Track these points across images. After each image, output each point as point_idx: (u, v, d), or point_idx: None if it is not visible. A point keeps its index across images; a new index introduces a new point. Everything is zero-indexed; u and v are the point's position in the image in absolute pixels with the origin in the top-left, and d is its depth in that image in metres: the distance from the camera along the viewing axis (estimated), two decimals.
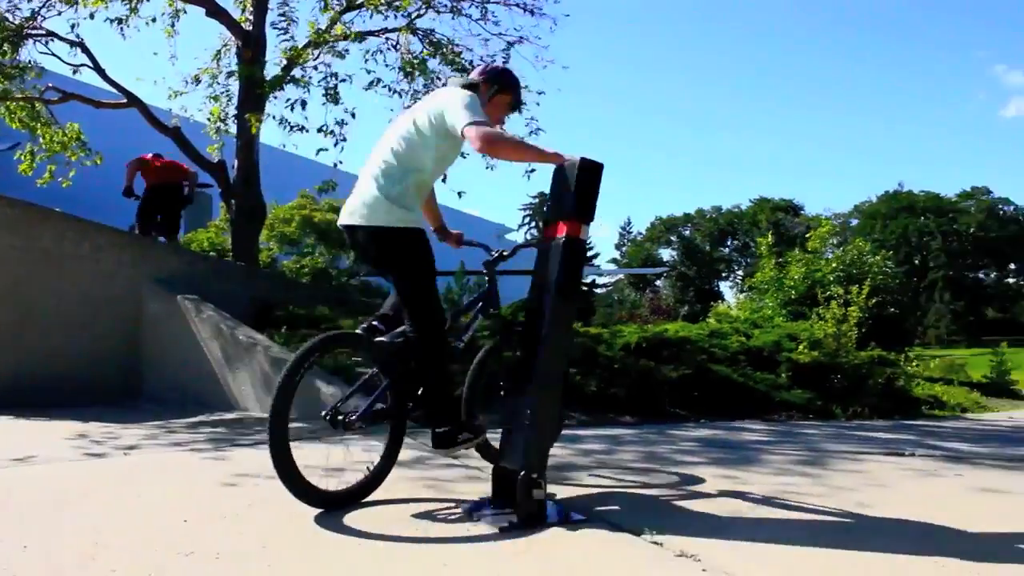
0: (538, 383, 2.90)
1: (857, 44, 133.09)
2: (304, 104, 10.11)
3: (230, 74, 10.79)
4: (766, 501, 3.30)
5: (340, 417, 3.21)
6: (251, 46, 10.20)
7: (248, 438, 4.99)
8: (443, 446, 3.30)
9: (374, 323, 3.47)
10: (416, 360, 3.29)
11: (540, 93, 11.11)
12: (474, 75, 3.61)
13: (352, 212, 3.36)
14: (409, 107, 3.99)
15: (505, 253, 3.83)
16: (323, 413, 3.24)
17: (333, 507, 2.98)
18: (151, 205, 10.09)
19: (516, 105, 3.84)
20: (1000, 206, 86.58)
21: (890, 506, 3.27)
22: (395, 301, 3.52)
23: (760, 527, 2.84)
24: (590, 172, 3.01)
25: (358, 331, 3.47)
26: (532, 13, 10.91)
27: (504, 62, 10.96)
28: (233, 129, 10.72)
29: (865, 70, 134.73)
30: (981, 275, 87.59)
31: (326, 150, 10.63)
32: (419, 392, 3.32)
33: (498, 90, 3.58)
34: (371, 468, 3.24)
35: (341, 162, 10.81)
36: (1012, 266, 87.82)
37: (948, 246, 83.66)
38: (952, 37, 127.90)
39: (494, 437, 3.26)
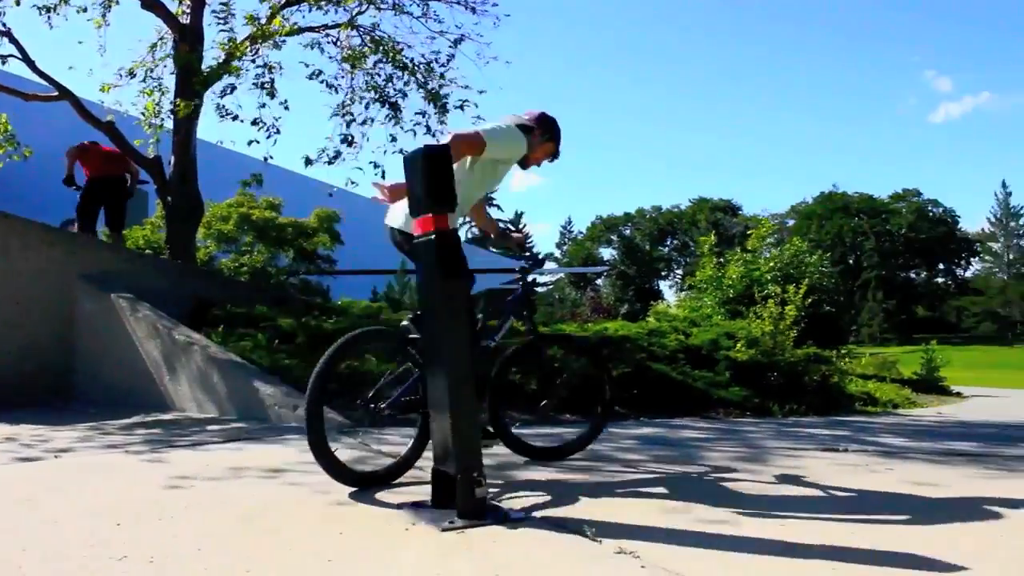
0: (452, 381, 2.86)
1: (792, 47, 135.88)
2: (234, 89, 10.04)
3: (165, 57, 10.52)
4: (707, 498, 3.35)
5: (371, 406, 3.55)
6: (188, 39, 10.00)
7: (185, 439, 4.90)
8: None
9: (404, 322, 3.76)
10: None
11: (481, 92, 11.11)
12: (528, 119, 3.97)
13: (396, 217, 3.78)
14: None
15: (539, 257, 4.44)
16: (357, 400, 3.60)
17: (363, 486, 3.30)
18: (93, 198, 9.82)
19: (556, 155, 4.21)
20: (929, 208, 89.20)
21: (826, 502, 3.35)
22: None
23: (700, 523, 2.88)
24: (437, 160, 2.90)
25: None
26: (474, 11, 10.90)
27: (449, 59, 10.96)
28: (169, 124, 10.50)
29: (801, 73, 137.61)
30: (912, 275, 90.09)
31: (257, 142, 10.55)
32: None
33: (548, 138, 4.06)
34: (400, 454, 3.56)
35: (271, 156, 10.72)
36: (941, 266, 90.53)
37: (881, 246, 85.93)
38: (885, 42, 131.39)
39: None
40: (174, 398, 6.65)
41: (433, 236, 2.88)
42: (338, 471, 3.27)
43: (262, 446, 4.68)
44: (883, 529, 2.87)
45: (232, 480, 3.57)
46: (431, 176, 2.87)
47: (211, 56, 10.21)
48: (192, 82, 9.78)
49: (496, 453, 4.31)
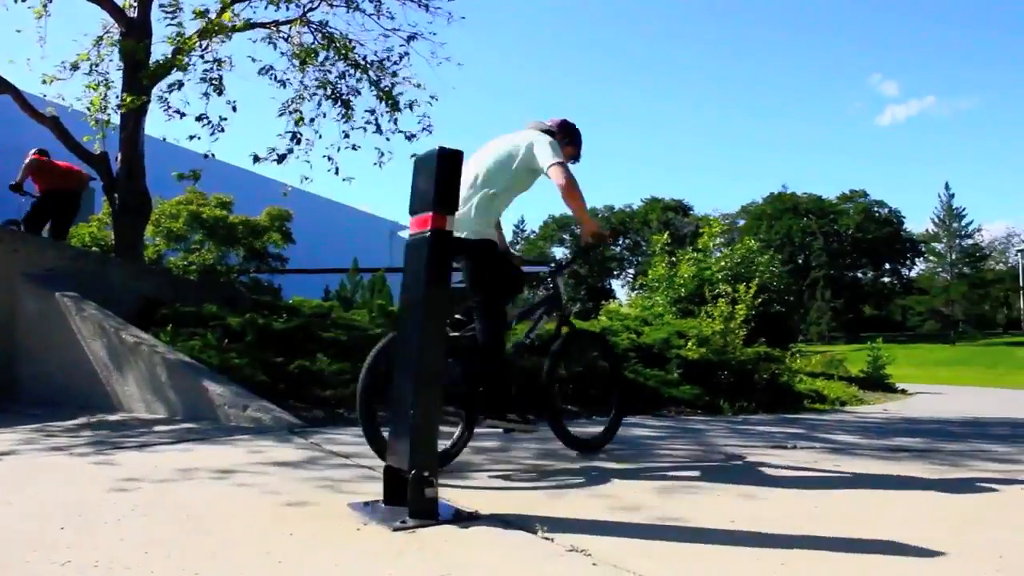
0: (418, 380, 2.86)
1: (743, 49, 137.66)
2: (181, 85, 9.91)
3: (111, 48, 10.30)
4: (660, 494, 3.38)
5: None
6: (135, 33, 9.82)
7: (133, 440, 4.82)
8: (495, 415, 4.19)
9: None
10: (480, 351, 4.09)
11: (433, 98, 11.07)
12: (550, 124, 4.37)
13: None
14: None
15: (564, 262, 5.07)
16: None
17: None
18: (44, 210, 9.75)
19: (577, 158, 4.57)
20: (876, 208, 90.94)
21: (776, 498, 3.41)
22: (466, 307, 4.24)
23: (652, 520, 2.91)
24: (450, 161, 2.95)
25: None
26: (427, 8, 10.87)
27: (402, 57, 10.91)
28: (116, 119, 10.31)
29: (751, 75, 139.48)
30: (859, 274, 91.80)
31: (198, 138, 10.41)
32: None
33: (568, 143, 4.40)
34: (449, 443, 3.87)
35: (213, 154, 10.58)
36: (887, 266, 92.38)
37: (829, 246, 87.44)
38: (833, 46, 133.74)
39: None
40: (121, 399, 6.53)
41: (428, 234, 2.89)
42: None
43: (211, 447, 4.62)
44: (832, 524, 2.93)
45: (180, 482, 3.52)
46: (443, 176, 2.91)
47: (159, 51, 10.05)
48: (139, 77, 9.61)
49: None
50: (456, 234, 3.62)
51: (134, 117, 9.77)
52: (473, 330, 4.14)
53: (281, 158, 10.70)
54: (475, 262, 4.13)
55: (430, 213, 2.91)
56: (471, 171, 4.10)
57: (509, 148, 4.15)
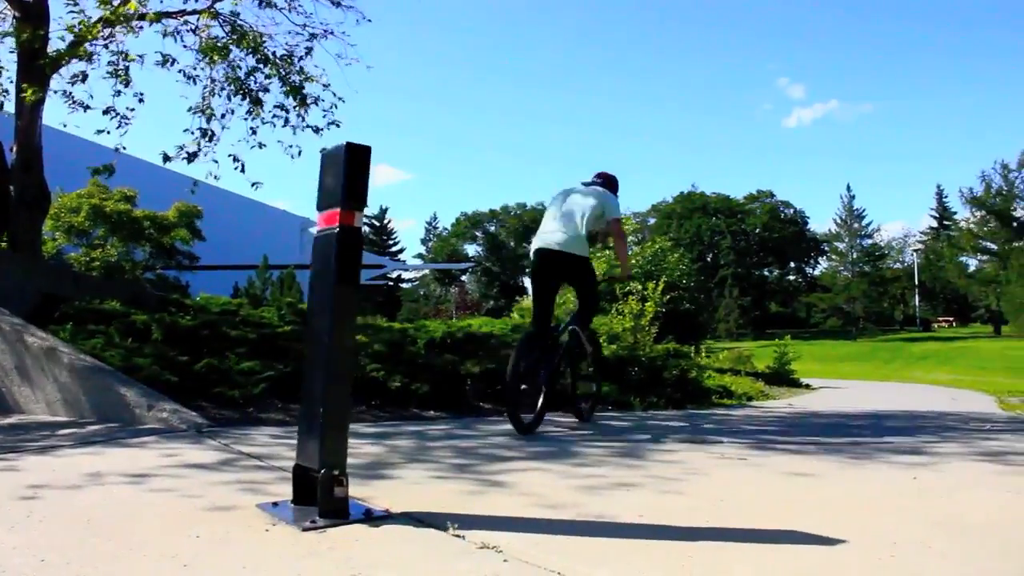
0: (327, 379, 2.82)
1: (654, 51, 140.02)
2: (85, 77, 9.55)
3: (6, 35, 9.88)
4: (575, 491, 3.42)
5: (522, 386, 5.60)
6: (31, 19, 9.42)
7: (31, 444, 4.63)
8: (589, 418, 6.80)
9: (530, 332, 5.96)
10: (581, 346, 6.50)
11: (340, 99, 10.93)
12: (607, 176, 6.57)
13: (558, 244, 6.06)
14: (571, 191, 6.42)
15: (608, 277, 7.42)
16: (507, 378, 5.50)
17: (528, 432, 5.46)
18: None
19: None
20: (781, 208, 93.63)
21: (685, 492, 3.49)
22: (546, 311, 6.19)
23: (566, 517, 2.95)
24: (358, 156, 2.88)
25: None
26: (338, 5, 10.75)
27: (308, 52, 10.77)
28: (9, 108, 9.87)
29: (662, 75, 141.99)
30: (765, 272, 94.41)
31: (107, 132, 10.04)
32: (582, 369, 6.67)
33: (614, 190, 6.51)
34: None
35: (124, 147, 10.24)
36: (792, 264, 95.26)
37: (736, 245, 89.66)
38: (743, 49, 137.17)
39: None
40: (18, 401, 6.27)
41: (337, 231, 2.84)
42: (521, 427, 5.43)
43: (116, 449, 4.48)
44: (738, 515, 3.01)
45: (82, 486, 3.40)
46: (351, 172, 2.85)
47: (58, 36, 9.67)
48: (40, 65, 9.24)
49: (367, 452, 4.28)
50: (568, 251, 6.02)
51: (31, 107, 9.38)
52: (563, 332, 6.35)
53: (192, 156, 10.41)
54: (583, 274, 6.23)
55: (337, 209, 2.86)
56: (574, 207, 6.17)
57: (597, 200, 6.20)
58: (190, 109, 10.53)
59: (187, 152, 10.39)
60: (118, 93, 9.88)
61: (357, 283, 2.93)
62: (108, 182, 13.31)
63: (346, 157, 2.87)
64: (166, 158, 10.28)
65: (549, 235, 6.10)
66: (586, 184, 6.45)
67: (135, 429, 5.27)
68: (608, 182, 6.48)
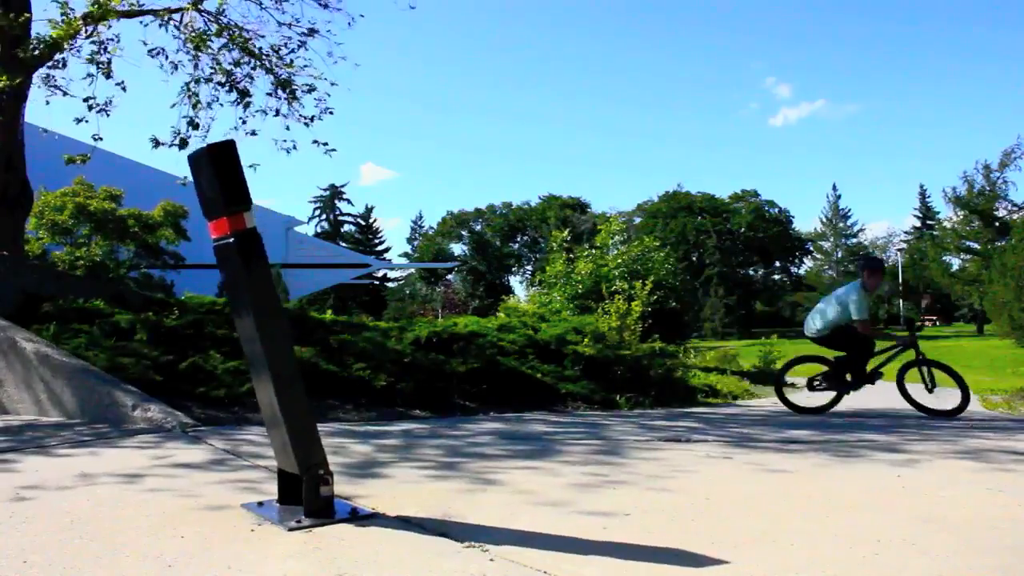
0: (277, 384, 2.77)
1: (641, 47, 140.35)
2: (65, 64, 9.53)
3: None
4: (561, 490, 3.43)
5: (815, 383, 8.75)
6: (12, 7, 9.32)
7: (11, 443, 4.60)
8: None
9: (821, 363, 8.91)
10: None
11: (333, 84, 10.92)
12: (868, 275, 8.67)
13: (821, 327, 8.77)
14: None
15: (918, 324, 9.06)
16: (806, 381, 8.88)
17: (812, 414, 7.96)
18: None
19: (879, 283, 8.95)
20: (766, 208, 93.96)
21: (670, 489, 3.50)
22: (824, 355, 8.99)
23: (552, 516, 2.95)
24: (223, 156, 2.72)
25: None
26: (326, 6, 10.73)
27: (300, 45, 10.75)
28: None
29: (649, 75, 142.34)
30: (751, 271, 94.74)
31: (86, 121, 9.99)
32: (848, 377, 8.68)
33: (870, 276, 8.62)
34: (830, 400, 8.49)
35: (101, 138, 10.19)
36: (777, 263, 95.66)
37: (722, 244, 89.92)
38: (732, 47, 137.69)
39: None
40: (2, 401, 6.23)
41: (232, 240, 2.74)
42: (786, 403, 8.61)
43: (100, 449, 4.46)
44: (730, 512, 3.03)
45: (65, 486, 3.38)
46: (220, 175, 2.70)
47: (39, 29, 9.62)
48: (22, 59, 9.17)
49: (353, 451, 4.28)
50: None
51: (13, 103, 9.31)
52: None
53: (183, 144, 10.36)
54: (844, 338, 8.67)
55: (225, 217, 2.74)
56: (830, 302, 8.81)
57: (846, 298, 8.53)
58: (179, 94, 10.49)
59: (180, 138, 10.35)
60: (88, 75, 9.79)
61: (270, 281, 2.85)
62: (93, 180, 13.24)
63: (212, 162, 2.71)
64: (156, 143, 10.24)
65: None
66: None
67: (121, 429, 5.25)
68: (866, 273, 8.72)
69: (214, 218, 2.79)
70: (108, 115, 10.01)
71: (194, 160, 2.80)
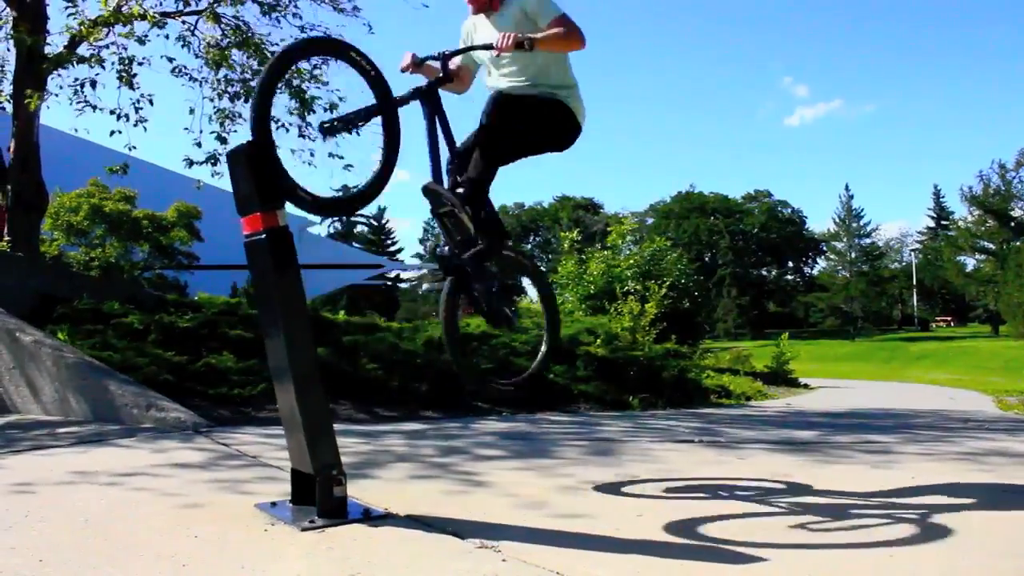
0: (297, 384, 2.80)
1: (656, 50, 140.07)
2: (94, 84, 9.55)
3: (6, 38, 9.87)
4: (566, 492, 3.42)
5: None
6: (28, 19, 9.39)
7: (28, 443, 4.63)
8: None
9: None
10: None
11: (341, 99, 10.85)
12: None
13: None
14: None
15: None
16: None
17: None
18: None
19: None
20: (779, 208, 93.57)
21: (679, 494, 3.49)
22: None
23: (559, 517, 2.95)
24: (258, 156, 2.80)
25: None
26: (342, 11, 10.70)
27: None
28: (8, 108, 9.86)
29: (664, 73, 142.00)
30: (764, 272, 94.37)
31: (120, 132, 10.01)
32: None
33: None
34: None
35: (135, 147, 10.21)
36: (790, 264, 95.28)
37: (735, 245, 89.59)
38: (750, 48, 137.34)
39: None
40: (16, 400, 6.27)
41: (264, 236, 2.79)
42: None
43: (112, 449, 4.48)
44: (737, 513, 3.02)
45: (79, 485, 3.40)
46: (256, 173, 2.78)
47: (57, 33, 9.68)
48: (41, 69, 9.23)
49: (363, 452, 4.29)
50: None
51: (27, 106, 9.37)
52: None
53: (215, 161, 10.29)
54: None
55: (259, 213, 2.80)
56: None
57: None
58: (210, 112, 10.45)
59: (208, 157, 10.29)
60: (91, 83, 9.78)
61: (298, 282, 2.86)
62: (108, 182, 13.31)
63: (246, 159, 2.79)
64: (190, 163, 10.19)
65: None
66: None
67: (133, 429, 5.26)
68: None
69: (247, 214, 2.84)
70: (145, 128, 10.04)
71: (233, 156, 2.89)
